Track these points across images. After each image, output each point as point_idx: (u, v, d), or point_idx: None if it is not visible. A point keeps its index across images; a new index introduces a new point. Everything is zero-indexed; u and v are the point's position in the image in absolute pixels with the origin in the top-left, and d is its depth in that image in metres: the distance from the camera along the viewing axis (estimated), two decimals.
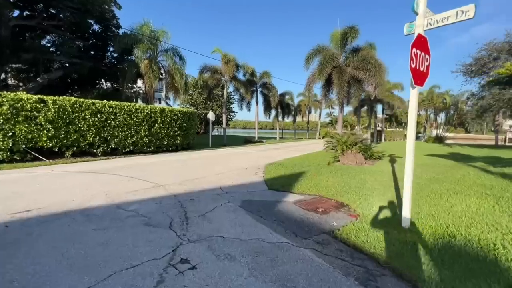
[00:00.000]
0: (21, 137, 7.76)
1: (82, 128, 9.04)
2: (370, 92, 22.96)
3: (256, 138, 26.11)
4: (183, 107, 26.60)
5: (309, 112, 43.31)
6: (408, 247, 2.66)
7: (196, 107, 33.69)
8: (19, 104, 7.71)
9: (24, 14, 14.57)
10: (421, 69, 3.01)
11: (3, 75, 15.19)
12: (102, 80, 20.79)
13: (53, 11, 14.96)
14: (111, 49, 19.01)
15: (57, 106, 8.41)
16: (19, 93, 7.98)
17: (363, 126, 38.47)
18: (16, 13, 14.36)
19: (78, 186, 5.15)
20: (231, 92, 31.42)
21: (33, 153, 8.10)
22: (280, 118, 35.43)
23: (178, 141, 12.55)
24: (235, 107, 38.95)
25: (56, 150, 8.61)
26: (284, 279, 2.16)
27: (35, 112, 8.04)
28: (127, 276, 2.14)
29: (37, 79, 14.80)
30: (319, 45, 16.25)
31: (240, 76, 23.87)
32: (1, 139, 7.44)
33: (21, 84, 16.23)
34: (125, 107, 10.26)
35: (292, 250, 2.68)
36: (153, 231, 3.07)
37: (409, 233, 2.98)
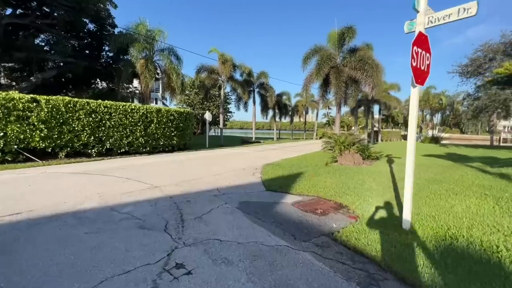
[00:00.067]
0: (13, 137, 7.58)
1: (76, 128, 8.88)
2: (367, 93, 23.03)
3: (253, 139, 26.03)
4: (179, 107, 26.40)
5: (306, 113, 43.41)
6: (409, 249, 2.60)
7: (193, 107, 33.50)
8: (10, 104, 7.53)
9: (17, 12, 14.31)
10: (422, 68, 2.96)
11: None
12: (98, 80, 20.55)
13: (47, 9, 14.72)
14: (107, 48, 18.81)
15: (50, 105, 8.24)
16: (10, 92, 7.80)
17: (360, 126, 38.57)
18: (8, 11, 14.12)
19: (71, 188, 5.02)
20: (228, 92, 31.25)
21: (25, 153, 7.92)
22: (277, 119, 35.44)
23: (175, 142, 12.41)
24: (232, 107, 39.04)
25: (49, 150, 8.44)
26: (284, 284, 2.08)
27: (27, 112, 7.86)
28: (119, 283, 2.04)
29: (31, 78, 14.54)
30: (316, 45, 16.24)
31: (237, 76, 23.83)
32: None
33: (14, 83, 15.93)
34: (121, 107, 10.10)
35: (291, 253, 2.60)
36: (148, 234, 2.96)
37: (410, 235, 2.92)
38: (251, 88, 26.65)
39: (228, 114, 39.85)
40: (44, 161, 8.00)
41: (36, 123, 7.97)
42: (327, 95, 17.95)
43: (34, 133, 7.95)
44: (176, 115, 12.34)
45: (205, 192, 4.92)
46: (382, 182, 5.76)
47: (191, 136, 14.45)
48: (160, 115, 11.52)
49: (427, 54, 3.01)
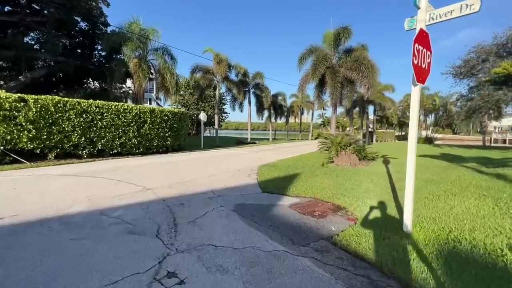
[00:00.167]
0: None
1: (66, 129, 8.61)
2: (362, 93, 23.13)
3: (248, 139, 25.90)
4: (174, 108, 26.11)
5: (302, 113, 43.47)
6: (412, 254, 2.50)
7: (188, 108, 33.20)
8: None
9: (6, 9, 13.91)
10: (423, 66, 2.88)
11: None
12: (90, 80, 20.12)
13: (36, 6, 14.33)
14: (99, 47, 18.42)
15: (38, 105, 7.96)
16: None
17: (355, 127, 38.81)
18: None
19: (59, 191, 4.81)
20: (223, 93, 31.10)
21: (12, 155, 7.62)
22: (272, 119, 35.32)
23: (169, 142, 12.19)
24: (227, 108, 38.71)
25: (38, 152, 8.16)
26: None
27: (14, 112, 7.58)
28: None
29: (19, 77, 14.10)
30: (312, 45, 16.19)
31: (233, 76, 23.64)
32: None
33: (2, 82, 15.45)
34: (113, 107, 9.86)
35: (290, 259, 2.48)
36: (138, 240, 2.81)
37: (412, 238, 2.83)
38: (247, 89, 26.49)
39: (223, 114, 39.62)
40: (32, 163, 7.72)
41: (23, 123, 7.69)
42: (323, 96, 17.91)
43: (21, 134, 7.67)
44: (170, 115, 12.12)
45: (200, 194, 4.77)
46: (379, 183, 5.70)
47: (186, 137, 14.23)
48: (153, 115, 11.30)
49: (428, 52, 2.93)
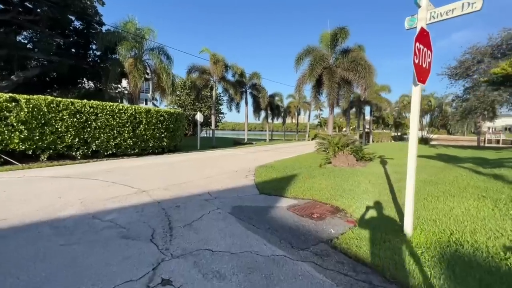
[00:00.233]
0: None
1: (59, 130, 8.42)
2: (359, 94, 23.20)
3: (245, 140, 25.79)
4: (170, 108, 25.92)
5: (299, 114, 43.43)
6: (414, 257, 2.44)
7: (184, 108, 32.93)
8: None
9: None
10: (424, 66, 2.83)
11: None
12: (84, 80, 19.85)
13: (29, 5, 14.08)
14: (94, 47, 18.18)
15: (31, 105, 7.77)
16: None
17: (351, 127, 38.95)
18: None
19: (51, 193, 4.67)
20: (220, 93, 30.92)
21: (3, 156, 7.43)
22: (269, 120, 35.27)
23: (165, 143, 12.03)
24: (224, 108, 38.62)
25: (30, 153, 7.97)
26: None
27: (5, 112, 7.39)
28: None
29: (12, 77, 13.82)
30: (309, 46, 16.19)
31: (229, 76, 23.51)
32: None
33: None
34: (107, 107, 9.69)
35: (289, 264, 2.40)
36: (131, 245, 2.70)
37: (413, 241, 2.77)
38: (243, 89, 26.40)
39: (220, 115, 39.39)
40: (24, 164, 7.54)
41: (15, 124, 7.50)
42: (320, 96, 17.92)
43: (13, 135, 7.48)
44: (166, 115, 11.97)
45: (196, 196, 4.67)
46: (377, 184, 5.66)
47: (182, 138, 14.08)
48: (149, 115, 11.14)
49: (429, 52, 2.88)
